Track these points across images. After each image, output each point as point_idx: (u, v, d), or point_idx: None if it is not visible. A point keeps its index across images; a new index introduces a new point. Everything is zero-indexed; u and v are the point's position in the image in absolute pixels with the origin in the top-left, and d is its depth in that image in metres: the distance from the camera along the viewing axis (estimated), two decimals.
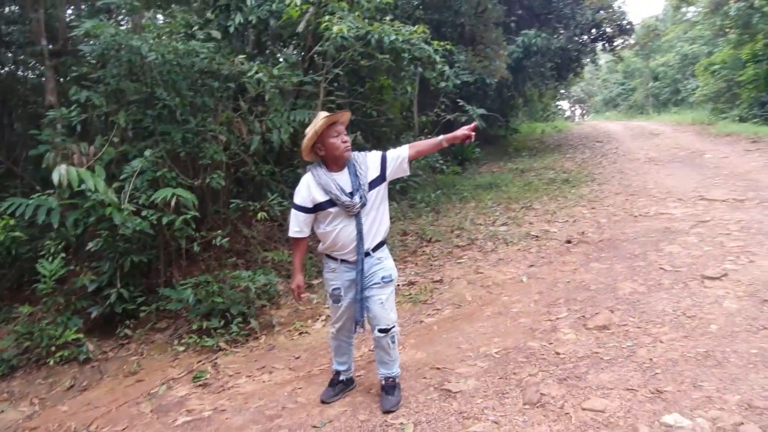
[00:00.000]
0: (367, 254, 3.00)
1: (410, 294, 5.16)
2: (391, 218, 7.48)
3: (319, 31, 5.46)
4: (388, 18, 5.84)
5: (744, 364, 3.08)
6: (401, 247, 6.51)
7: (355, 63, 5.87)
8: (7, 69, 7.09)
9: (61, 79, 6.49)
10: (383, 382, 3.26)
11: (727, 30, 19.82)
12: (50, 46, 6.34)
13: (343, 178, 2.96)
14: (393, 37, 5.43)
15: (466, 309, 4.69)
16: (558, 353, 3.55)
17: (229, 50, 5.30)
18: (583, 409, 2.84)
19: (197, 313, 4.63)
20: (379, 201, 3.03)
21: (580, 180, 10.15)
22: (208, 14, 5.81)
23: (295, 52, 7.22)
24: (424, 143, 3.15)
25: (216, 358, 4.35)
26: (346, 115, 3.08)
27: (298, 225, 3.08)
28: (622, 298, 4.30)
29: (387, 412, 3.10)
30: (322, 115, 2.93)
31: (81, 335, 4.62)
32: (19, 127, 6.91)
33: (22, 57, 7.03)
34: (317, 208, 2.97)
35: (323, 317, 4.94)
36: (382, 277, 3.02)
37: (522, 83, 16.02)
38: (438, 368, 3.61)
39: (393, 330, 3.07)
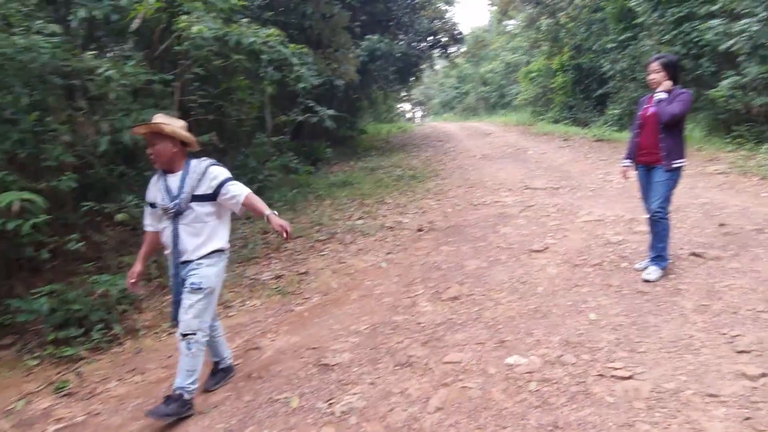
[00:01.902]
0: (186, 261, 3.09)
1: (278, 287, 5.34)
2: (249, 218, 7.55)
3: (173, 30, 5.38)
4: (244, 20, 5.93)
5: (562, 313, 3.80)
6: (263, 245, 6.63)
7: (209, 63, 5.87)
8: None
9: None
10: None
11: (540, 43, 22.65)
12: None
13: (174, 181, 3.09)
14: (251, 39, 5.55)
15: (333, 295, 5.01)
16: (419, 323, 4.02)
17: (71, 46, 5.00)
18: (444, 363, 3.31)
19: (51, 323, 4.35)
20: (206, 215, 3.09)
21: (425, 176, 11.02)
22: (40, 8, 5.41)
23: (132, 50, 6.93)
24: (258, 203, 3.12)
25: (78, 368, 4.14)
26: (143, 129, 3.11)
27: (147, 218, 3.29)
28: (469, 273, 4.94)
29: (150, 414, 3.04)
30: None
31: None
32: None
33: None
34: (155, 205, 3.16)
35: None
36: (191, 283, 3.06)
37: (368, 86, 16.80)
38: (314, 348, 3.88)
39: (190, 337, 3.06)
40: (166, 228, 3.13)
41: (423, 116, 52.54)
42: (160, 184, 3.12)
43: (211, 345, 3.45)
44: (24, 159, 4.78)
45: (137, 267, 3.29)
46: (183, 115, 6.01)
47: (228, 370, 3.63)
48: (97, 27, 5.82)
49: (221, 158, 8.25)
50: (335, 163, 13.98)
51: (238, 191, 3.11)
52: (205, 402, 3.33)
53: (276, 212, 3.06)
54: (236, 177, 8.24)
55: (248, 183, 8.38)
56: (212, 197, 3.09)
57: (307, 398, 3.17)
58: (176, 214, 3.06)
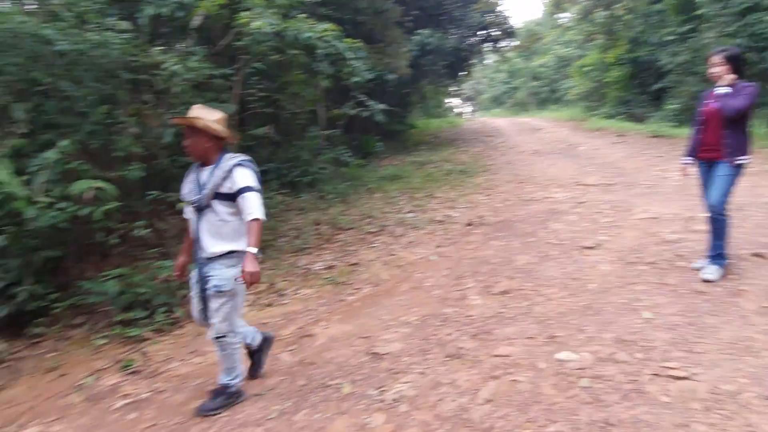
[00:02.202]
0: (208, 259, 3.02)
1: (330, 277, 5.47)
2: (302, 209, 7.71)
3: (233, 26, 5.58)
4: (302, 15, 6.08)
5: (615, 311, 3.75)
6: (316, 236, 6.79)
7: (267, 58, 6.05)
8: None
9: None
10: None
11: (594, 36, 22.04)
12: None
13: (204, 175, 3.05)
14: (308, 34, 5.70)
15: (383, 287, 5.09)
16: (468, 316, 4.05)
17: (139, 42, 5.26)
18: (494, 356, 3.34)
19: (119, 305, 4.62)
20: (227, 215, 3.00)
21: (475, 170, 10.97)
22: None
23: (193, 46, 7.20)
24: (253, 234, 2.89)
25: (142, 348, 4.38)
26: (184, 121, 3.08)
27: (186, 207, 3.25)
28: (519, 268, 4.92)
29: (199, 412, 3.15)
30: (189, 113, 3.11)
31: None
32: None
33: None
34: None
35: (247, 302, 5.10)
36: (213, 286, 3.00)
37: (418, 80, 16.79)
38: (365, 337, 3.97)
39: (221, 339, 3.09)
40: (192, 221, 3.13)
41: (472, 111, 52.03)
42: (193, 176, 3.12)
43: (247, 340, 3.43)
44: (95, 149, 5.07)
45: (181, 258, 3.31)
46: (241, 108, 6.22)
47: (262, 344, 3.56)
48: (161, 24, 6.08)
49: (275, 151, 8.53)
50: (385, 157, 14.07)
51: (249, 210, 2.92)
52: (262, 384, 3.47)
53: (257, 252, 2.86)
54: (289, 169, 8.45)
55: (300, 175, 8.67)
56: (233, 198, 2.98)
57: (359, 385, 3.26)
58: (199, 209, 3.02)
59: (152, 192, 5.16)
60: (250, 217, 2.91)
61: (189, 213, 3.19)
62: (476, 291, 4.54)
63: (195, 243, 3.08)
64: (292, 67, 6.88)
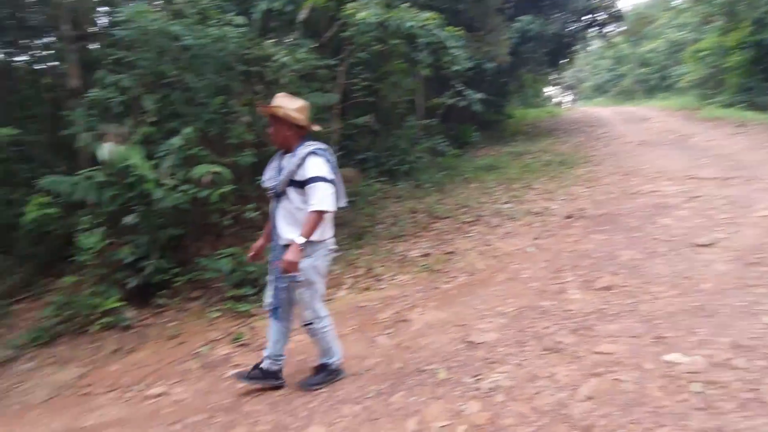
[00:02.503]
0: (286, 246, 2.98)
1: (426, 264, 5.54)
2: (399, 197, 7.83)
3: (338, 18, 5.77)
4: (404, 5, 6.16)
5: (732, 314, 3.50)
6: (412, 223, 6.88)
7: (369, 48, 6.20)
8: (29, 55, 7.33)
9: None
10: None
11: (712, 18, 20.25)
12: (73, 31, 6.60)
13: (284, 162, 3.08)
14: (411, 23, 5.77)
15: (479, 276, 5.09)
16: (568, 310, 3.95)
17: (253, 35, 5.59)
18: (595, 353, 3.24)
19: (230, 282, 4.98)
20: (301, 203, 2.98)
21: (575, 162, 10.55)
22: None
23: (300, 38, 7.51)
24: (307, 224, 2.90)
25: (251, 323, 4.71)
26: (265, 109, 3.15)
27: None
28: (623, 264, 4.71)
29: (301, 386, 3.32)
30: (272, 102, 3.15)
31: (120, 303, 4.96)
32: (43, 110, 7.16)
33: (43, 42, 7.27)
34: None
35: (346, 285, 5.31)
36: (287, 275, 2.98)
37: (517, 69, 16.34)
38: (460, 325, 4.00)
39: (309, 326, 3.18)
40: (270, 207, 3.16)
41: (573, 101, 49.79)
42: (275, 163, 3.16)
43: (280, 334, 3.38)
44: (213, 137, 5.46)
45: (260, 241, 3.36)
46: (344, 98, 6.42)
47: (274, 372, 3.47)
48: (272, 18, 6.41)
49: (374, 140, 8.72)
50: (481, 147, 13.90)
51: (313, 200, 2.91)
52: (360, 364, 3.61)
53: (302, 242, 2.87)
54: (387, 158, 8.58)
55: (398, 164, 8.79)
56: (301, 186, 2.97)
57: (454, 372, 3.30)
58: (276, 196, 3.05)
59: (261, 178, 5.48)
60: (311, 208, 2.89)
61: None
62: (576, 285, 4.42)
63: (273, 230, 3.12)
64: (393, 57, 6.98)
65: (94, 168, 4.84)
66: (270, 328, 3.37)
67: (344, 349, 3.91)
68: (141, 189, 4.61)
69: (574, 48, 19.27)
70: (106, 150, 4.35)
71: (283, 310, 3.24)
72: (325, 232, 3.09)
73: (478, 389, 3.06)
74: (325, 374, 3.37)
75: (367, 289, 5.21)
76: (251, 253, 3.39)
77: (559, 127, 18.26)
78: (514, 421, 2.71)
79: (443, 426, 2.72)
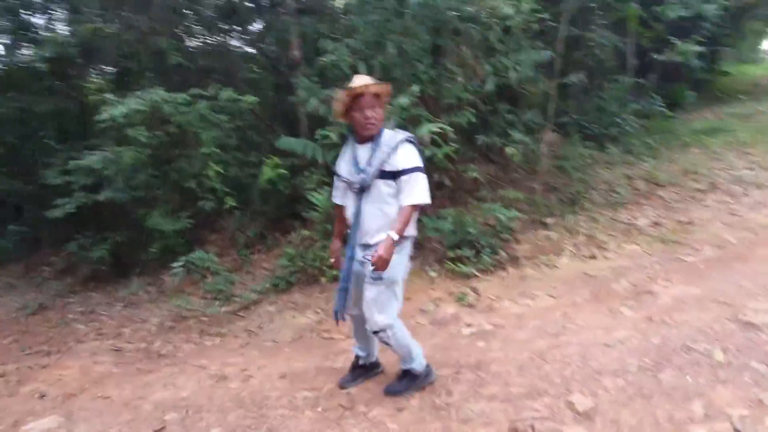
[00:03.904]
0: (367, 245, 2.70)
1: (658, 234, 5.00)
2: (609, 163, 7.19)
3: None
4: None
5: None
6: (632, 191, 6.25)
7: None
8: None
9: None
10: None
11: None
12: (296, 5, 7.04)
13: (363, 153, 2.70)
14: None
15: (731, 250, 4.45)
16: None
17: None
18: None
19: (450, 243, 4.97)
20: (391, 194, 2.64)
21: None
22: None
23: None
24: (403, 218, 2.56)
25: (471, 284, 4.66)
26: (374, 87, 2.65)
27: (336, 189, 2.94)
28: None
29: (386, 391, 2.97)
30: (351, 84, 2.64)
31: None
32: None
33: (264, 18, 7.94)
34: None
35: (568, 251, 5.01)
36: (371, 273, 2.62)
37: (742, 15, 13.98)
38: (723, 303, 3.50)
39: (381, 334, 2.75)
40: (349, 204, 2.77)
41: None
42: (349, 154, 2.77)
43: (360, 332, 3.04)
44: (428, 98, 5.44)
45: (335, 244, 3.04)
46: (564, 54, 5.99)
47: (372, 367, 3.22)
48: None
49: (582, 98, 8.08)
50: (696, 108, 12.25)
51: (409, 193, 2.59)
52: (608, 335, 3.33)
53: (397, 238, 2.51)
54: (592, 120, 7.89)
55: (605, 126, 8.05)
56: (394, 177, 2.62)
57: (734, 355, 2.86)
58: (361, 190, 2.66)
59: (480, 137, 5.36)
60: (407, 201, 2.57)
61: (338, 196, 2.92)
62: None
63: (354, 227, 2.73)
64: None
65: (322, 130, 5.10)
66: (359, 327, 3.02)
67: (583, 319, 3.68)
68: None
69: None
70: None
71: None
72: (413, 227, 2.77)
73: None
74: (408, 380, 2.98)
75: (592, 257, 4.85)
76: (333, 259, 3.07)
77: None
78: None
79: (744, 415, 2.35)
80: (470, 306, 4.29)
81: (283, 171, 6.03)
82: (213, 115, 6.18)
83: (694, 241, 4.74)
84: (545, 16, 5.48)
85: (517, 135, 5.41)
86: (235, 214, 6.82)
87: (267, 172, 6.05)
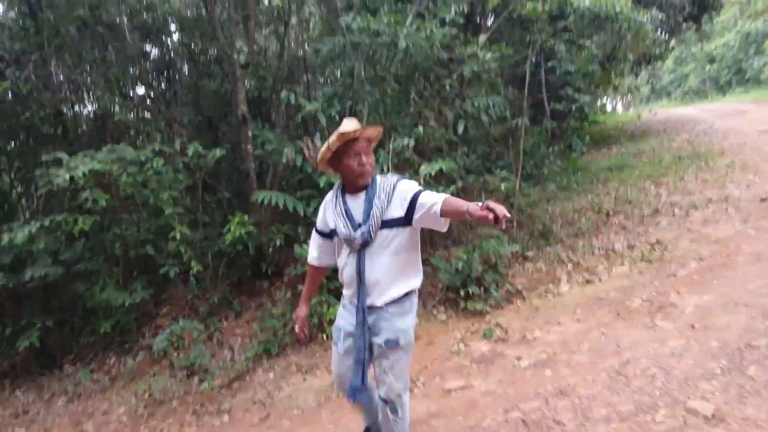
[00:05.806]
0: (374, 307, 2.37)
1: (638, 255, 5.35)
2: (548, 200, 7.63)
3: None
4: None
5: None
6: (588, 221, 6.69)
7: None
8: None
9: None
10: None
11: None
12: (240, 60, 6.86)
13: (356, 204, 2.38)
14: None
15: (712, 261, 4.85)
16: None
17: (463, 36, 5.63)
18: None
19: (455, 282, 4.91)
20: (397, 246, 2.33)
21: (708, 154, 10.13)
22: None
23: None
24: (458, 201, 2.14)
25: (490, 320, 4.60)
26: (369, 131, 2.39)
27: (315, 249, 2.65)
28: None
29: None
30: (343, 128, 2.29)
31: None
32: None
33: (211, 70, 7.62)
34: (334, 234, 2.45)
35: (563, 280, 5.17)
36: (386, 340, 2.36)
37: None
38: (745, 304, 3.79)
39: (396, 401, 2.46)
40: (347, 263, 2.43)
41: (628, 106, 48.57)
42: (339, 207, 2.41)
43: (370, 408, 2.74)
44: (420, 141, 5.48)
45: (302, 310, 2.72)
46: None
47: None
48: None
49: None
50: (582, 152, 13.58)
51: (435, 197, 2.23)
52: (665, 346, 3.44)
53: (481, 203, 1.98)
54: (526, 161, 8.39)
55: (539, 167, 8.64)
56: (406, 222, 2.31)
57: None
58: (363, 246, 2.34)
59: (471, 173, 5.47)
60: (440, 203, 2.17)
61: (316, 256, 2.65)
62: None
63: (359, 288, 2.38)
64: None
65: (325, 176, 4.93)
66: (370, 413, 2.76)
67: (626, 336, 3.77)
68: None
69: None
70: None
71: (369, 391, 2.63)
72: (420, 276, 2.51)
73: None
74: None
75: (589, 282, 5.05)
76: (300, 326, 2.72)
77: (651, 129, 17.68)
78: None
79: None
80: (502, 340, 4.22)
81: (251, 228, 5.65)
82: (171, 173, 5.68)
83: (673, 258, 5.14)
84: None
85: (502, 173, 5.59)
86: (191, 280, 6.21)
87: (233, 231, 5.63)
